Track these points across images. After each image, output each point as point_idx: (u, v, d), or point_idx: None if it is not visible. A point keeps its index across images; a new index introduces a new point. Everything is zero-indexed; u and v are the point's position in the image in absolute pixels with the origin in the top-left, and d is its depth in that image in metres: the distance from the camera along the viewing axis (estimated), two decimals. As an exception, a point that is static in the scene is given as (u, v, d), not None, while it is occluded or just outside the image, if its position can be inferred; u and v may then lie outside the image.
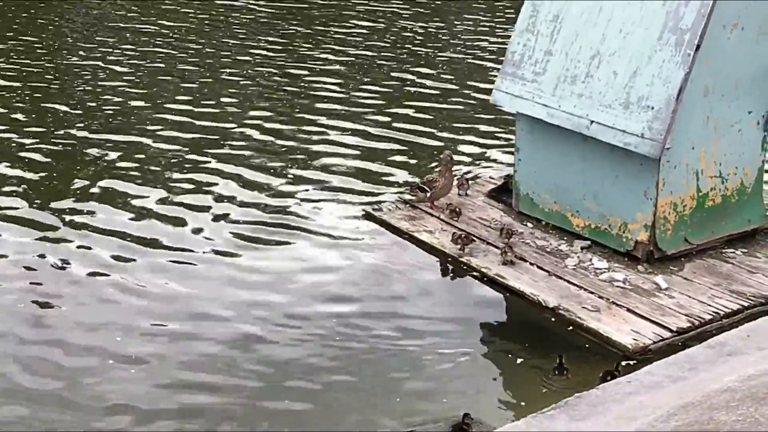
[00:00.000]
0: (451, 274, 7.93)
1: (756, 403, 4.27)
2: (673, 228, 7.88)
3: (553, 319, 7.24)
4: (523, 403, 6.34)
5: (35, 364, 6.60)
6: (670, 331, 6.98)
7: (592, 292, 7.45)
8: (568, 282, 7.61)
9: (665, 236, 7.85)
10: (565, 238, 8.27)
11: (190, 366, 6.65)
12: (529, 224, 8.52)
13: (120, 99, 11.80)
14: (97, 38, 14.57)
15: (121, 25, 15.35)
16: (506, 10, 16.68)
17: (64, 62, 13.33)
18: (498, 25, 15.82)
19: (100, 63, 13.22)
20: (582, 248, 8.11)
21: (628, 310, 7.22)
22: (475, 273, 7.83)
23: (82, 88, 12.23)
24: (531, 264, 7.87)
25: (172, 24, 15.46)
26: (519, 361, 6.88)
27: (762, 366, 5.31)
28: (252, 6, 16.59)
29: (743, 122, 8.05)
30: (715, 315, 7.19)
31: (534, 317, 7.32)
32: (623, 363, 6.50)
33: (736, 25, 7.66)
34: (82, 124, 10.93)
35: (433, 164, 9.94)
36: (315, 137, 10.74)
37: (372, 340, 7.07)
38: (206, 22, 15.69)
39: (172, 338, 6.96)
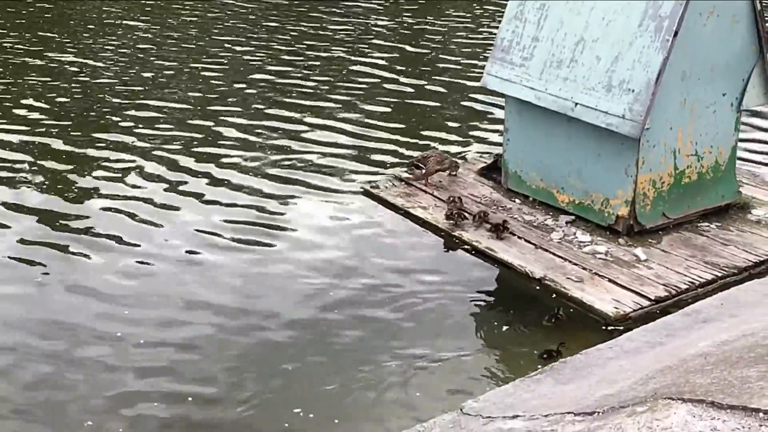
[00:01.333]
0: (444, 248, 7.95)
1: (729, 367, 4.29)
2: (652, 203, 7.91)
3: (539, 289, 7.26)
4: (510, 367, 6.38)
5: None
6: (649, 299, 7.02)
7: (576, 264, 7.47)
8: (554, 254, 7.64)
9: (644, 211, 7.87)
10: (551, 213, 8.29)
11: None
12: (517, 200, 8.54)
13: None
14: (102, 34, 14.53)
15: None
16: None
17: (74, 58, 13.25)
18: (486, 16, 15.76)
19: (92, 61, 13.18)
20: (567, 223, 8.13)
21: (610, 280, 7.25)
22: (466, 246, 7.86)
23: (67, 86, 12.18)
24: (519, 237, 7.89)
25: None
26: (506, 328, 6.91)
27: (734, 332, 5.33)
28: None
29: (718, 104, 8.06)
30: (690, 285, 7.22)
31: (522, 287, 7.35)
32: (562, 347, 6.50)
33: (711, 13, 7.66)
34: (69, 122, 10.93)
35: (426, 141, 9.97)
36: (316, 120, 10.72)
37: (368, 307, 7.10)
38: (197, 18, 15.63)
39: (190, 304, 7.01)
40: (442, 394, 6.06)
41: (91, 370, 6.26)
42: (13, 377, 6.17)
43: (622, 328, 6.64)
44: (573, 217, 8.18)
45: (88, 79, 11.86)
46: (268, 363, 6.41)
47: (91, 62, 12.52)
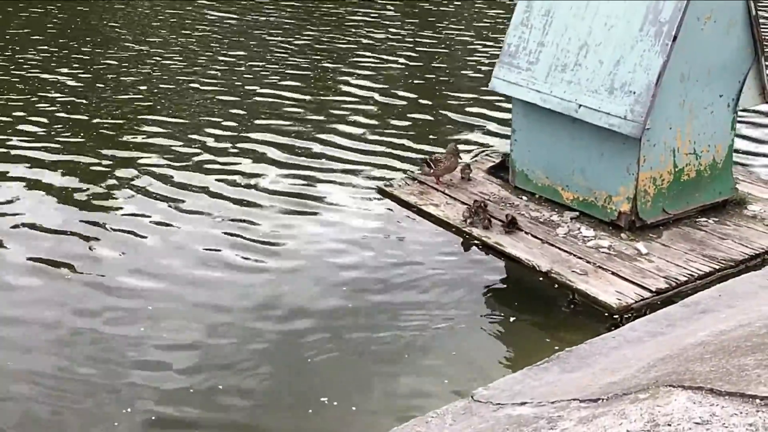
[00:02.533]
0: (455, 243, 7.94)
1: (727, 355, 4.28)
2: (653, 200, 7.89)
3: (545, 281, 7.25)
4: (519, 357, 6.37)
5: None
6: (650, 291, 7.00)
7: (580, 258, 7.46)
8: (559, 249, 7.63)
9: (645, 207, 7.86)
10: (556, 210, 8.28)
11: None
12: (524, 197, 8.53)
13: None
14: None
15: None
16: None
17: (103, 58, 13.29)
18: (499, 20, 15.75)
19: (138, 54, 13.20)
20: (571, 218, 8.12)
21: (613, 273, 7.23)
22: (476, 241, 7.85)
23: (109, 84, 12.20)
24: (526, 233, 7.89)
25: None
26: (515, 318, 6.91)
27: (732, 322, 5.32)
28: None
29: (715, 105, 8.04)
30: (690, 277, 7.20)
31: (529, 280, 7.35)
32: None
33: (709, 18, 7.63)
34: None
35: (437, 143, 9.97)
36: (333, 122, 10.74)
37: (382, 297, 7.12)
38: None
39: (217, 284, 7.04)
40: (453, 382, 6.05)
41: (116, 364, 6.28)
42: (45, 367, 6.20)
43: (627, 317, 6.64)
44: (577, 213, 8.17)
45: (112, 88, 11.90)
46: (288, 355, 6.41)
47: (114, 72, 12.57)
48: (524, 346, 6.54)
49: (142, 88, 11.78)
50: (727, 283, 6.75)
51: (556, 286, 7.17)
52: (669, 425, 3.50)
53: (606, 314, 6.81)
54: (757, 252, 7.58)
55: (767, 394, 3.57)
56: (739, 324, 5.15)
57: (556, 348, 5.86)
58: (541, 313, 6.96)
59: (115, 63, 12.77)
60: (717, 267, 7.35)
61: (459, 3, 16.69)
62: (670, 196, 7.99)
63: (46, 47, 13.36)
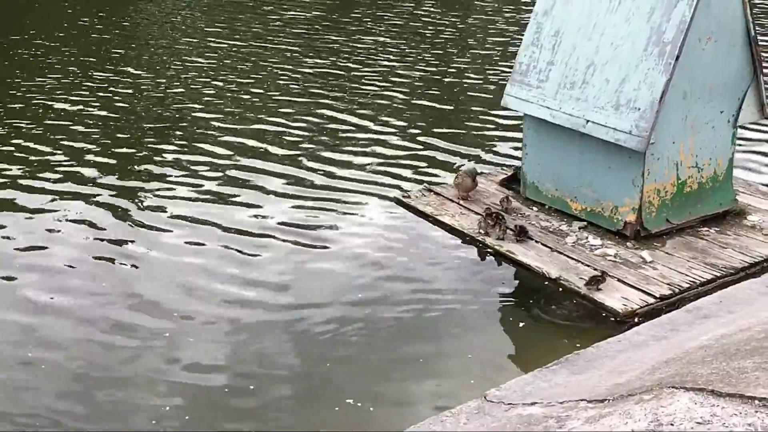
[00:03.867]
0: (469, 250, 7.93)
1: (728, 358, 4.27)
2: (657, 210, 7.87)
3: (554, 288, 7.23)
4: (529, 359, 6.33)
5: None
6: (654, 297, 6.97)
7: (588, 265, 7.44)
8: (568, 257, 7.61)
9: (650, 217, 7.83)
10: (565, 220, 8.26)
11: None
12: (535, 208, 8.52)
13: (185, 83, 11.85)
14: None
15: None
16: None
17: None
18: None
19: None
20: (579, 228, 8.10)
21: (619, 280, 7.20)
22: (489, 249, 7.84)
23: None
24: (536, 242, 7.87)
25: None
26: (525, 322, 6.88)
27: (732, 327, 5.30)
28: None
29: (716, 120, 8.01)
30: (692, 284, 7.17)
31: (539, 286, 7.33)
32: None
33: (710, 38, 7.62)
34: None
35: (452, 157, 9.98)
36: (356, 134, 10.76)
37: (397, 302, 7.09)
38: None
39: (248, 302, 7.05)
40: (467, 383, 6.03)
41: (149, 361, 6.29)
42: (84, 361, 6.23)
43: (634, 321, 6.61)
44: (585, 223, 8.14)
45: (160, 92, 11.95)
46: (308, 356, 6.40)
47: (160, 76, 12.62)
48: (534, 349, 6.51)
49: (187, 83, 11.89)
50: (728, 289, 6.73)
51: (564, 292, 7.15)
52: (672, 425, 3.49)
53: (612, 319, 6.79)
54: (757, 260, 7.54)
55: (765, 395, 3.55)
56: (739, 328, 5.13)
57: (565, 351, 5.84)
58: (550, 318, 6.93)
59: (131, 91, 12.80)
60: (718, 274, 7.32)
61: (473, 22, 16.68)
62: (673, 206, 7.96)
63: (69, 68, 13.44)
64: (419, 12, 17.45)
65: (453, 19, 17.15)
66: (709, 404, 3.59)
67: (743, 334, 4.91)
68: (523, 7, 17.68)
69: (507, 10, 18.00)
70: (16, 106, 11.50)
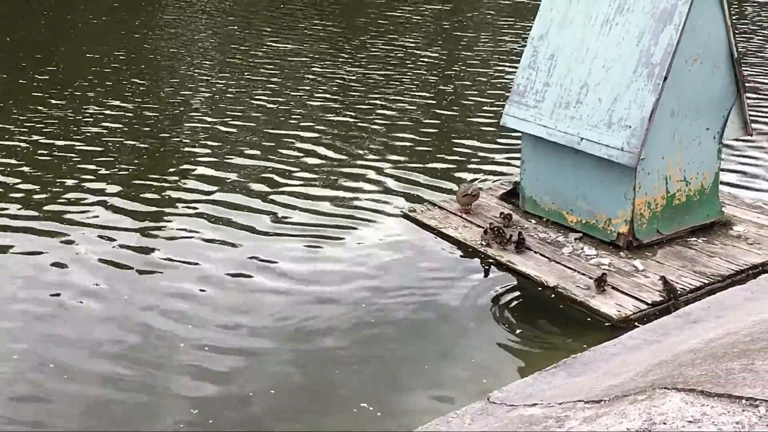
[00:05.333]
0: (472, 261, 7.95)
1: (716, 361, 4.27)
2: (648, 222, 7.87)
3: (552, 296, 7.25)
4: (529, 363, 6.34)
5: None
6: (647, 303, 6.97)
7: (583, 274, 7.44)
8: (565, 266, 7.62)
9: (641, 228, 7.84)
10: (562, 231, 8.27)
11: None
12: (533, 220, 8.52)
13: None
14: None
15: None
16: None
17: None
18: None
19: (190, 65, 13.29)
20: (575, 239, 8.11)
21: (613, 287, 7.21)
22: (490, 260, 7.85)
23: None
24: (535, 252, 7.88)
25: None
26: (526, 328, 6.88)
27: (720, 331, 5.29)
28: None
29: (702, 137, 8.02)
30: (682, 290, 7.16)
31: (537, 294, 7.33)
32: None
33: (696, 60, 7.64)
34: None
35: (456, 173, 10.00)
36: (365, 153, 10.79)
37: (405, 309, 7.11)
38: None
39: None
40: (471, 386, 6.04)
41: (170, 369, 6.30)
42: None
43: (627, 326, 6.61)
44: (581, 234, 8.15)
45: (177, 109, 12.00)
46: (317, 363, 6.39)
47: (183, 89, 12.68)
48: (534, 353, 6.52)
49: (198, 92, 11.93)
50: (716, 296, 6.71)
51: (553, 295, 7.16)
52: (664, 423, 3.49)
53: (607, 324, 6.79)
54: (742, 268, 7.53)
55: (752, 395, 3.56)
56: (727, 332, 5.13)
57: (563, 355, 5.83)
58: (549, 324, 6.94)
59: (155, 109, 12.83)
60: (706, 282, 7.32)
61: (478, 50, 16.71)
62: (663, 218, 7.96)
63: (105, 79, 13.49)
64: (425, 53, 17.46)
65: (451, 48, 17.20)
66: (699, 404, 3.59)
67: (730, 337, 4.91)
68: (505, 37, 17.70)
69: (500, 38, 18.05)
70: (54, 112, 11.54)
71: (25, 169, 10.05)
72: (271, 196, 9.36)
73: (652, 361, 4.88)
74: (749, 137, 8.79)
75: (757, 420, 3.36)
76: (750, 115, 8.22)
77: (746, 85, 8.10)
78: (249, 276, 7.60)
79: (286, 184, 9.72)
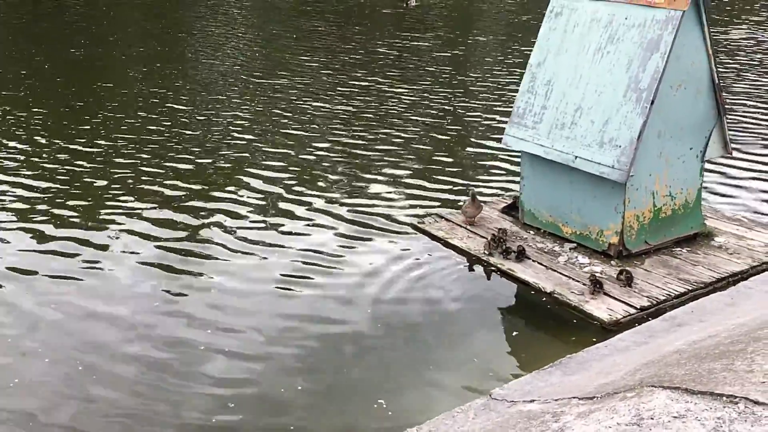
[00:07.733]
0: (474, 268, 7.95)
1: (699, 361, 4.26)
2: (637, 233, 7.86)
3: (549, 300, 7.23)
4: (528, 362, 6.33)
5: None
6: (635, 308, 6.96)
7: (578, 281, 7.43)
8: (561, 273, 7.61)
9: (631, 239, 7.83)
10: (558, 242, 8.26)
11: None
12: (531, 232, 8.52)
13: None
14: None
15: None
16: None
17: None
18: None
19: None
20: (570, 249, 8.10)
21: (605, 293, 7.20)
22: (492, 267, 7.85)
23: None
24: (533, 261, 7.88)
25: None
26: (525, 331, 6.89)
27: (703, 334, 5.28)
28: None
29: (686, 156, 8.01)
30: (668, 296, 7.15)
31: (535, 299, 7.33)
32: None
33: (680, 86, 7.64)
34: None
35: (460, 187, 10.00)
36: (376, 167, 10.81)
37: (412, 313, 7.12)
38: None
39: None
40: (474, 383, 6.04)
41: (197, 376, 6.31)
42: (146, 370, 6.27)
43: (618, 329, 6.60)
44: (575, 245, 8.14)
45: (205, 129, 12.04)
46: (328, 363, 6.41)
47: (212, 108, 12.72)
48: (532, 353, 6.51)
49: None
50: (699, 301, 6.71)
51: (545, 297, 7.15)
52: (652, 418, 3.49)
53: (599, 327, 6.77)
54: (723, 276, 7.51)
55: (731, 392, 3.55)
56: (709, 335, 5.12)
57: (559, 355, 5.83)
58: (546, 326, 6.93)
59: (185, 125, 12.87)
60: (690, 288, 7.29)
61: (475, 75, 16.72)
62: (650, 230, 7.95)
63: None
64: (431, 68, 17.48)
65: (455, 74, 17.21)
66: (683, 401, 3.59)
67: (712, 339, 4.90)
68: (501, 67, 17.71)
69: (500, 62, 18.04)
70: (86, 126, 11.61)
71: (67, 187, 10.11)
72: (287, 205, 9.40)
73: (640, 361, 4.88)
74: (729, 156, 8.77)
75: (737, 415, 3.36)
76: (730, 136, 8.20)
77: (726, 108, 8.08)
78: (266, 283, 7.61)
79: (304, 193, 9.75)
